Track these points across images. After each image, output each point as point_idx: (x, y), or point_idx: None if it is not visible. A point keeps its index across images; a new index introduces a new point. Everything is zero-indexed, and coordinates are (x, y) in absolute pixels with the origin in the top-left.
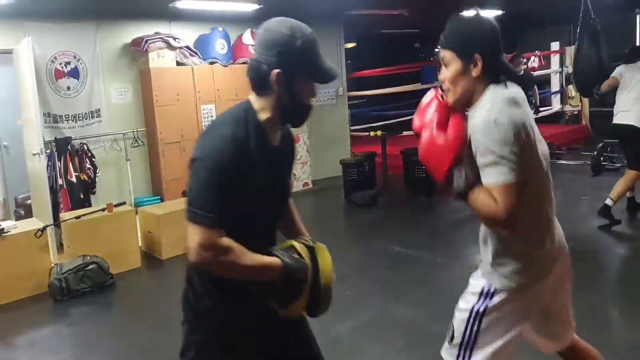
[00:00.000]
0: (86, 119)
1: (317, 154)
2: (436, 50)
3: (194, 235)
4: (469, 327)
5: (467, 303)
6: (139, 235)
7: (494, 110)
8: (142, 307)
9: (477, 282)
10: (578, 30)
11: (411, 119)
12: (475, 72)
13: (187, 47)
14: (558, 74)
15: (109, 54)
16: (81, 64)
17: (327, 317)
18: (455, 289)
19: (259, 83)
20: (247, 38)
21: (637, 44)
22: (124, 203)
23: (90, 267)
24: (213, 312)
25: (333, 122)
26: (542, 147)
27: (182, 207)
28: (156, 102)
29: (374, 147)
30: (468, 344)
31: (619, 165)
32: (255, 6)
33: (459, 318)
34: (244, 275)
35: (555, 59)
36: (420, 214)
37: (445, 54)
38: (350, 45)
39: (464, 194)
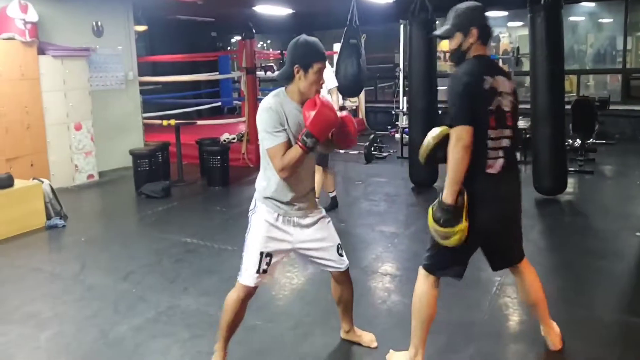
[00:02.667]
0: None
1: (104, 143)
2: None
3: None
4: None
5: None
6: None
7: None
8: None
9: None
10: (343, 36)
11: (208, 108)
12: None
13: None
14: None
15: None
16: None
17: (106, 319)
18: None
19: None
20: (13, 10)
21: (401, 50)
22: None
23: None
24: None
25: (122, 109)
26: None
27: None
28: None
29: (169, 136)
30: None
31: (386, 154)
32: None
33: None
34: None
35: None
36: (213, 204)
37: None
38: (142, 28)
39: None
